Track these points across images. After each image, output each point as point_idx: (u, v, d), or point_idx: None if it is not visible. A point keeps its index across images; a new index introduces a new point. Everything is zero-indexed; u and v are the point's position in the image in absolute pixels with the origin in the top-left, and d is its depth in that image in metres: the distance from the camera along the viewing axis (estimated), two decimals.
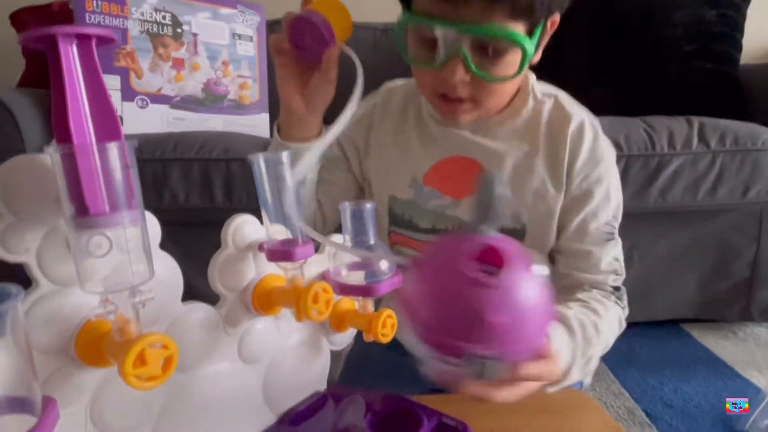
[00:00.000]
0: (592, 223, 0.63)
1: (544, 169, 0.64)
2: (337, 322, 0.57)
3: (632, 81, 1.42)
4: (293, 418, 0.53)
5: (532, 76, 0.67)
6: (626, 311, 0.66)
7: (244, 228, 0.47)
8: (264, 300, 0.47)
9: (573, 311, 0.60)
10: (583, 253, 0.65)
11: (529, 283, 0.36)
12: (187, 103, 1.39)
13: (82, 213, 0.30)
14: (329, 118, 0.58)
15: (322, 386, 0.59)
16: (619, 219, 0.66)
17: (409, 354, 0.82)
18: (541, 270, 0.38)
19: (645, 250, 1.27)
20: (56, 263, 0.34)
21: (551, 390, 0.57)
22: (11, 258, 0.32)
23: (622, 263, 0.67)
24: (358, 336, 0.60)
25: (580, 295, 0.64)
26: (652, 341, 1.32)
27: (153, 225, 0.38)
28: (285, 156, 0.44)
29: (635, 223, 1.24)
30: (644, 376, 1.15)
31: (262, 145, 1.27)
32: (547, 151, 0.64)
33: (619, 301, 0.65)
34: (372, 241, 0.53)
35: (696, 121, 1.20)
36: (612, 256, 0.65)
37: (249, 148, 1.22)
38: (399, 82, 0.75)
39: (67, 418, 0.35)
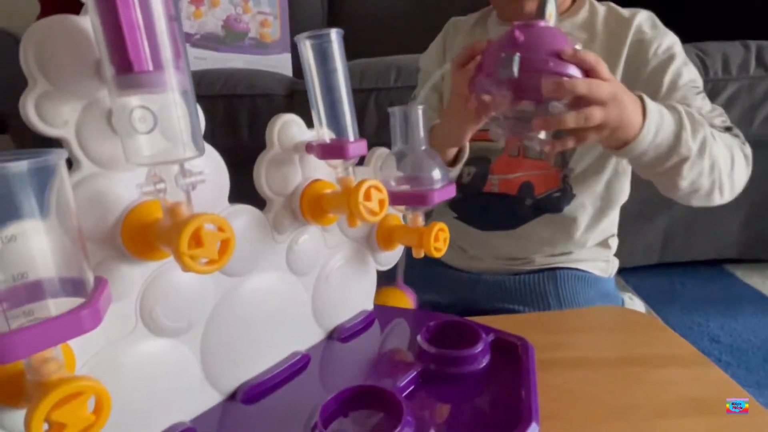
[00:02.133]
0: (680, 79, 0.66)
1: (600, 53, 0.68)
2: (385, 238, 0.55)
3: (679, 5, 1.31)
4: (342, 335, 0.51)
5: None
6: (748, 149, 0.64)
7: (290, 127, 0.43)
8: (313, 205, 0.44)
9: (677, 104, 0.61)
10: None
11: (548, 29, 0.53)
12: (207, 41, 1.34)
13: (125, 70, 0.26)
14: None
15: (369, 306, 0.56)
16: (701, 87, 0.68)
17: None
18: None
19: None
20: (97, 141, 0.31)
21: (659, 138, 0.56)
22: (49, 130, 0.29)
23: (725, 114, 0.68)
24: None
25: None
26: (693, 280, 1.28)
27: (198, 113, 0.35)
28: (334, 33, 0.39)
29: None
30: (688, 313, 1.11)
31: (288, 81, 1.22)
32: (605, 41, 0.71)
33: (737, 138, 0.65)
34: (423, 147, 0.49)
35: (753, 44, 1.11)
36: (710, 106, 0.66)
37: (274, 84, 1.18)
38: (463, 17, 0.85)
39: (115, 313, 0.33)
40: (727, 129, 0.65)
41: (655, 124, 0.54)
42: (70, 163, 0.30)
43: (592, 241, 0.77)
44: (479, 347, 0.46)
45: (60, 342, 0.23)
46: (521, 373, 0.44)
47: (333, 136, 0.43)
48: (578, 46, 0.51)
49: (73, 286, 0.26)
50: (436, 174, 0.49)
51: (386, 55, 1.19)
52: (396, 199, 0.48)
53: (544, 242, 0.77)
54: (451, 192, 0.50)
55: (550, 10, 0.54)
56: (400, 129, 0.50)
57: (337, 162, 0.42)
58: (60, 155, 0.24)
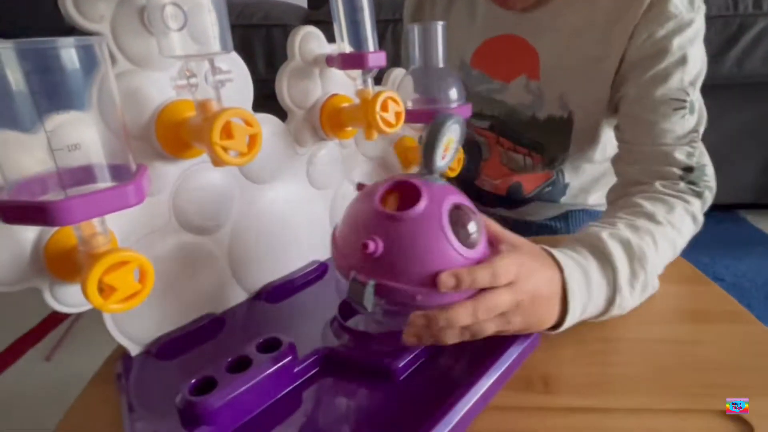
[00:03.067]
0: (658, 88, 0.53)
1: (603, 30, 0.56)
2: (402, 159, 0.56)
3: None
4: None
5: None
6: (707, 197, 0.52)
7: (310, 40, 0.44)
8: (332, 119, 0.46)
9: (614, 231, 0.44)
10: (644, 123, 0.54)
11: (424, 221, 0.32)
12: None
13: None
14: None
15: None
16: (697, 87, 0.56)
17: None
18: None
19: (708, 126, 1.19)
20: (131, 38, 0.32)
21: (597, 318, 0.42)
22: (87, 24, 0.30)
23: (699, 137, 0.55)
24: None
25: (637, 198, 0.51)
26: (705, 224, 1.28)
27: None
28: None
29: (702, 95, 1.15)
30: (694, 253, 1.12)
31: (304, 12, 1.20)
32: (613, 9, 0.56)
33: (692, 188, 0.51)
34: (441, 65, 0.50)
35: None
36: (683, 129, 0.53)
37: (289, 14, 1.16)
38: None
39: (151, 207, 0.36)
40: (687, 170, 0.52)
41: (580, 306, 0.39)
42: None
43: (601, 195, 0.74)
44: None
45: (109, 211, 0.26)
46: None
47: (353, 50, 0.44)
48: (474, 228, 0.34)
49: (119, 171, 0.28)
50: (453, 93, 0.50)
51: None
52: (412, 116, 0.49)
53: (547, 212, 0.76)
54: (468, 111, 0.51)
55: (441, 152, 0.35)
56: (418, 46, 0.50)
57: (357, 74, 0.43)
58: (101, 39, 0.25)
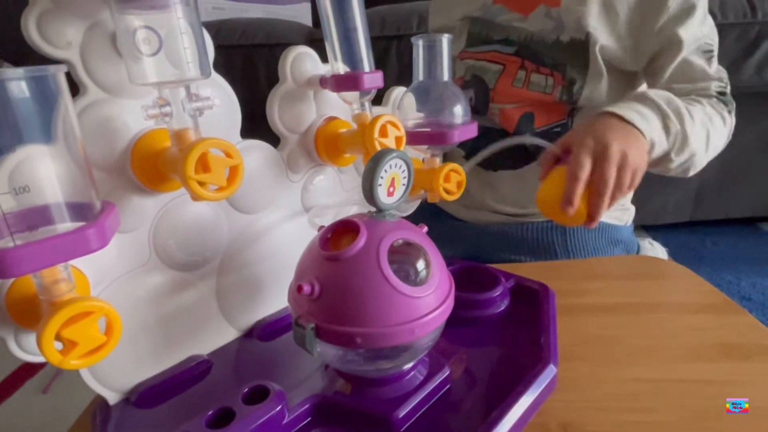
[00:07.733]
0: (693, 38, 0.62)
1: None
2: None
3: None
4: None
5: None
6: (733, 119, 0.62)
7: (303, 61, 0.42)
8: (328, 144, 0.43)
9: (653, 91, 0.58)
10: (682, 63, 0.63)
11: (359, 260, 0.30)
12: None
13: None
14: None
15: None
16: (716, 42, 0.64)
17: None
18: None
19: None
20: (103, 65, 0.30)
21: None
22: (53, 52, 0.28)
23: (726, 76, 0.64)
24: None
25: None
26: (725, 239, 1.23)
27: (207, 39, 0.33)
28: None
29: None
30: (718, 271, 1.08)
31: (307, 31, 1.19)
32: None
33: (724, 105, 0.62)
34: (446, 78, 0.47)
35: None
36: (714, 67, 0.63)
37: (293, 33, 1.15)
38: None
39: (128, 244, 0.33)
40: (721, 94, 0.63)
41: (645, 125, 0.53)
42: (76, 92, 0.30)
43: None
44: (498, 291, 0.45)
45: (67, 259, 0.23)
46: (541, 317, 0.43)
47: (348, 70, 0.41)
48: (422, 265, 0.32)
49: (80, 211, 0.26)
50: (458, 111, 0.47)
51: (407, 1, 1.14)
52: (414, 138, 0.46)
53: None
54: (473, 131, 0.48)
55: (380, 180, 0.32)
56: (423, 61, 0.47)
57: (353, 97, 0.41)
58: (58, 68, 0.23)
